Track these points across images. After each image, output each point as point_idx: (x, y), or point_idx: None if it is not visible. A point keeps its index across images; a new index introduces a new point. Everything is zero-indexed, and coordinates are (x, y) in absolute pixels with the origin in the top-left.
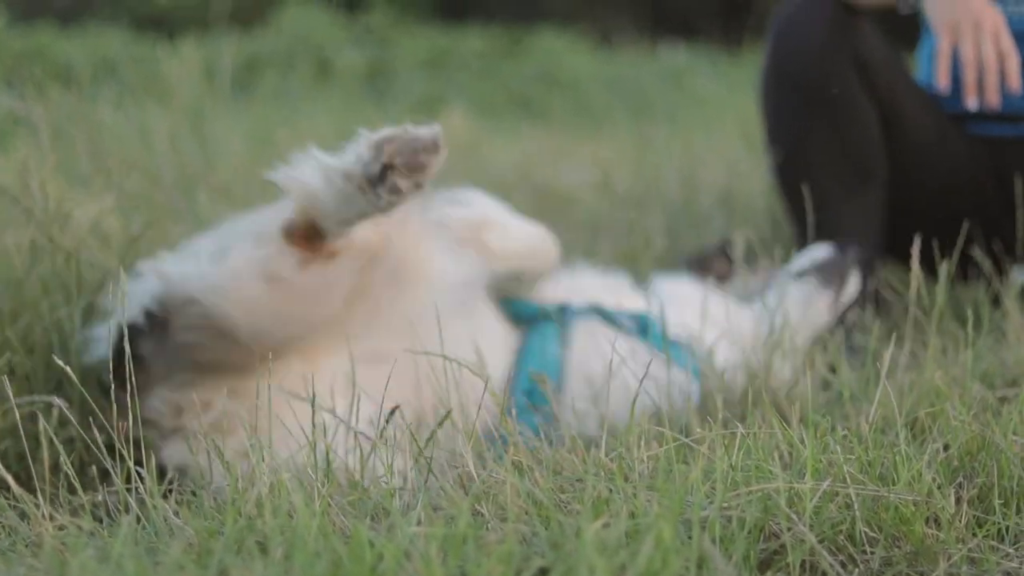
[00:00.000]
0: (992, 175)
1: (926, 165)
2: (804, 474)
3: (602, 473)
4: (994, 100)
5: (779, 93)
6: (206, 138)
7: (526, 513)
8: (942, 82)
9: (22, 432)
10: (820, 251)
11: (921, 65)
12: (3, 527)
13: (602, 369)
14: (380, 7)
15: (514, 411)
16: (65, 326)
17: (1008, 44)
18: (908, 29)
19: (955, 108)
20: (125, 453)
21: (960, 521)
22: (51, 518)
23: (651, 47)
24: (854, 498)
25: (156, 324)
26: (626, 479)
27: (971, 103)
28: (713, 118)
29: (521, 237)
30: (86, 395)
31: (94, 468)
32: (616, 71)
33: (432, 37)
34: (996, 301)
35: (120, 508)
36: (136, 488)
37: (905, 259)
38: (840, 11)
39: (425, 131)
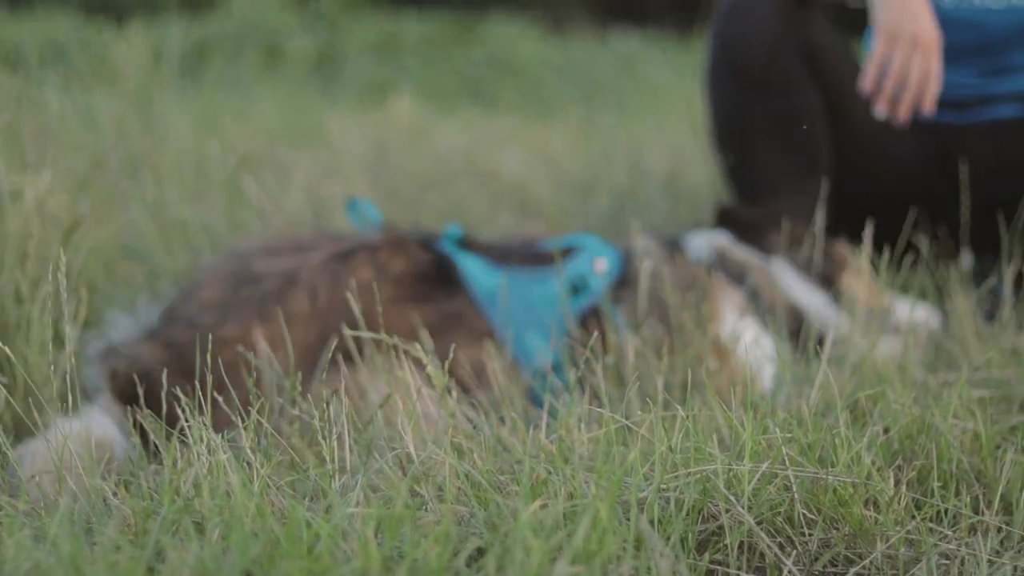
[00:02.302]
0: (939, 162)
1: (873, 153)
2: (743, 456)
3: (542, 455)
4: (904, 117)
5: (724, 80)
6: (153, 122)
7: (464, 494)
8: (869, 85)
9: None
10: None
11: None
12: None
13: None
14: None
15: (453, 393)
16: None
17: (936, 68)
18: (856, 17)
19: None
20: None
21: (899, 503)
22: None
23: (602, 34)
24: (793, 480)
25: None
26: (566, 461)
27: (880, 111)
28: (662, 105)
29: None
30: (25, 376)
31: None
32: (567, 58)
33: (382, 23)
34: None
35: (57, 488)
36: (74, 468)
37: (853, 246)
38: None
39: None
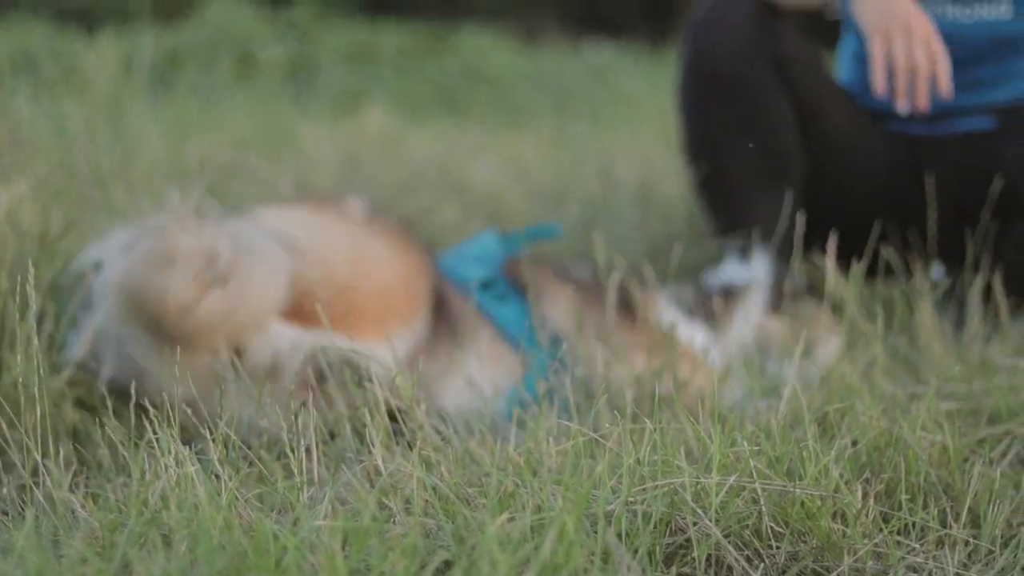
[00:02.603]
0: (910, 173)
1: (845, 164)
2: (711, 469)
3: (510, 467)
4: (925, 105)
5: (696, 88)
6: (123, 132)
7: (432, 507)
8: (880, 87)
9: None
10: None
11: (842, 65)
12: None
13: None
14: (304, 2)
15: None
16: None
17: (939, 48)
18: (828, 28)
19: (873, 106)
20: (31, 445)
21: (866, 516)
22: None
23: (575, 44)
24: (760, 493)
25: None
26: (534, 473)
27: (903, 107)
28: (635, 115)
29: None
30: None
31: None
32: (540, 68)
33: (355, 32)
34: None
35: (25, 501)
36: (43, 481)
37: (824, 257)
38: (759, 9)
39: None
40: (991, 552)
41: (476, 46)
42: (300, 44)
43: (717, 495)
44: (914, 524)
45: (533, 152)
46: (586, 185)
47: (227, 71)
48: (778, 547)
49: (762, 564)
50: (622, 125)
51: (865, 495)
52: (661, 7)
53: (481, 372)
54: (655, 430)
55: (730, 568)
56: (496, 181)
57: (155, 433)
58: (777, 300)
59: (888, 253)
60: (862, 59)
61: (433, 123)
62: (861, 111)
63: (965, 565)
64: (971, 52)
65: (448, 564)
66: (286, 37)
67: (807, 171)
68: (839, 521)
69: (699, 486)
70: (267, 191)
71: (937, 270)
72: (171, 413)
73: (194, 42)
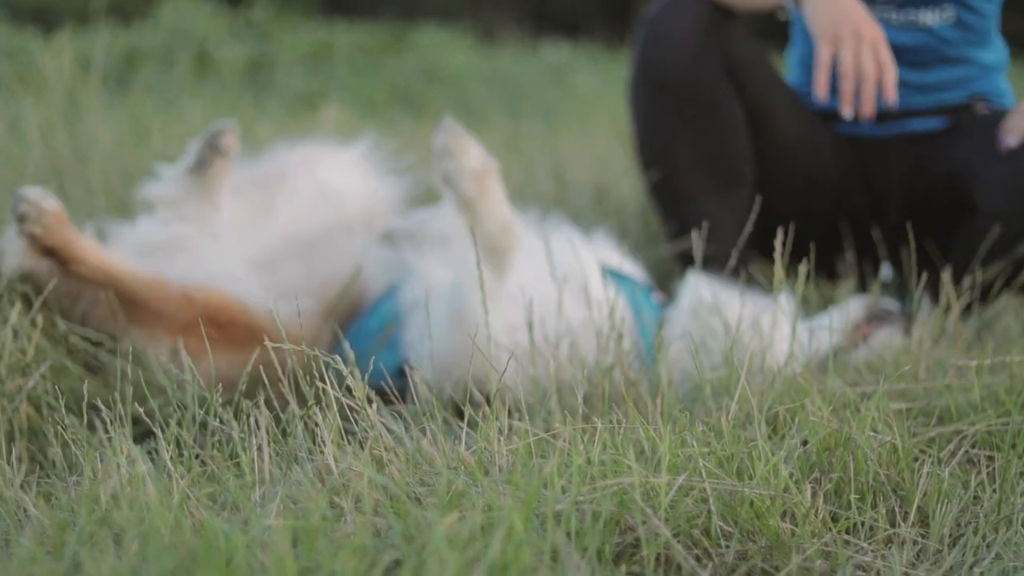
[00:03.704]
0: (858, 174)
1: (794, 165)
2: (661, 469)
3: (461, 467)
4: (870, 111)
5: (647, 93)
6: (80, 131)
7: (382, 506)
8: (821, 93)
9: None
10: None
11: (790, 67)
12: None
13: None
14: (262, 1)
15: (375, 404)
16: None
17: (887, 56)
18: (777, 31)
19: (822, 108)
20: None
21: (815, 516)
22: None
23: (533, 44)
24: (710, 492)
25: None
26: (486, 473)
27: (847, 112)
28: (591, 115)
29: None
30: None
31: None
32: (497, 67)
33: (314, 32)
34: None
35: None
36: None
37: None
38: (710, 11)
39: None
40: (939, 551)
41: (433, 45)
42: (258, 43)
43: (667, 494)
44: (863, 523)
45: (489, 151)
46: (541, 185)
47: (185, 70)
48: (727, 546)
49: (711, 563)
50: (578, 125)
51: (814, 494)
52: (619, 6)
53: None
54: (606, 430)
55: (679, 567)
56: None
57: (107, 432)
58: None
59: (838, 254)
60: (809, 64)
61: (390, 122)
62: (811, 114)
63: (913, 564)
64: (917, 56)
65: (397, 563)
66: (244, 36)
67: (758, 174)
68: (788, 520)
69: (649, 485)
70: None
71: (886, 270)
72: (123, 412)
73: (152, 42)
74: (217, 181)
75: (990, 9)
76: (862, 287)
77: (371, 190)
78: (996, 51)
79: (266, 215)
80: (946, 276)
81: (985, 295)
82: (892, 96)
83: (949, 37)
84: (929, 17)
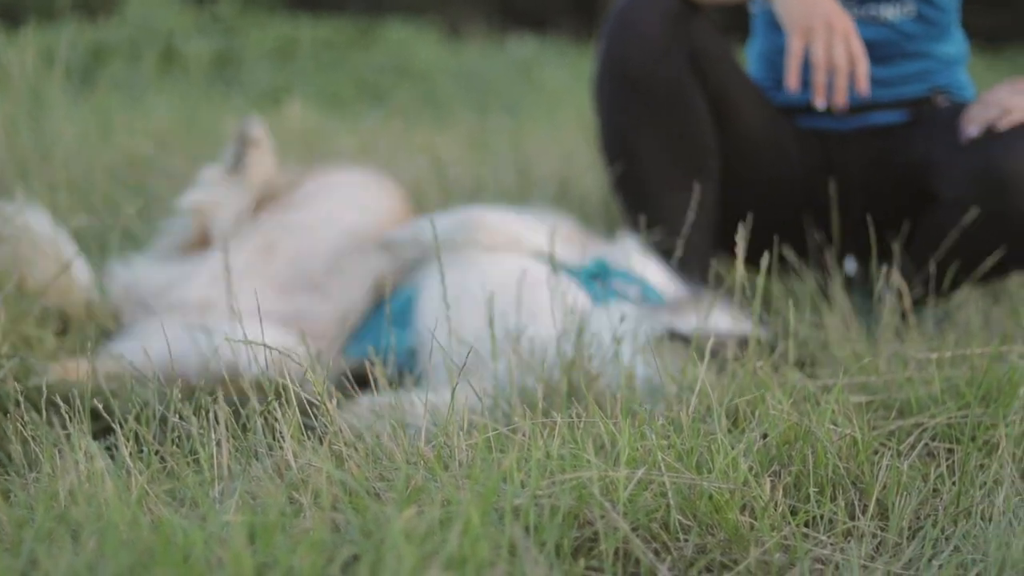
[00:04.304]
0: (822, 168)
1: (758, 159)
2: (620, 463)
3: (420, 461)
4: (842, 102)
5: (612, 86)
6: (44, 127)
7: (340, 501)
8: (793, 84)
9: None
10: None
11: (751, 61)
12: None
13: None
14: None
15: (334, 399)
16: None
17: (858, 47)
18: (738, 24)
19: (784, 102)
20: None
21: (775, 509)
22: None
23: (500, 38)
24: (668, 486)
25: None
26: (445, 468)
27: (819, 103)
28: (557, 109)
29: None
30: None
31: None
32: (464, 62)
33: (280, 26)
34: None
35: None
36: None
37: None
38: (677, 5)
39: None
40: (898, 544)
41: (400, 40)
42: (224, 38)
43: (625, 488)
44: (822, 516)
45: (453, 146)
46: (504, 179)
47: (151, 65)
48: (686, 540)
49: (669, 557)
50: (544, 119)
51: (773, 488)
52: (586, 1)
53: None
54: (565, 424)
55: (638, 561)
56: (416, 175)
57: (64, 429)
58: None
59: (800, 248)
60: (769, 58)
61: (356, 117)
62: (773, 108)
63: (872, 557)
64: (878, 51)
65: (355, 558)
66: (210, 31)
67: (722, 168)
68: (747, 514)
69: (608, 479)
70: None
71: (849, 263)
72: (81, 408)
73: (118, 36)
74: (255, 176)
75: (950, 3)
76: (825, 280)
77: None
78: (956, 44)
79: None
80: (896, 275)
81: (942, 284)
82: (864, 87)
83: (910, 31)
84: (890, 12)
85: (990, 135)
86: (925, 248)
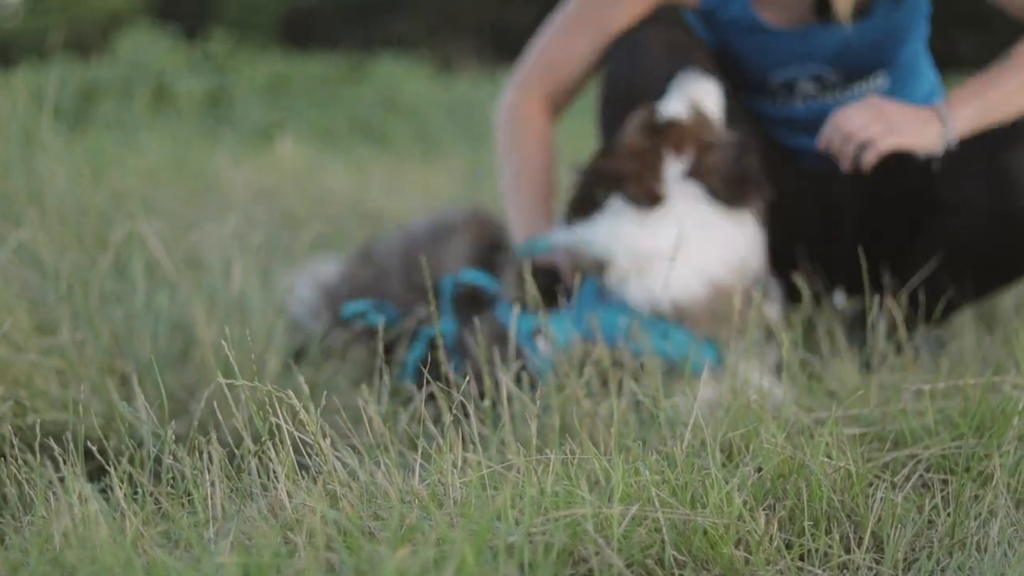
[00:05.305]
0: (818, 205)
1: None
2: (614, 499)
3: (415, 500)
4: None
5: (616, 109)
6: (36, 167)
7: (335, 541)
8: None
9: None
10: None
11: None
12: None
13: None
14: (219, 34)
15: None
16: None
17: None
18: None
19: (785, 142)
20: None
21: (769, 543)
22: None
23: (492, 72)
24: (663, 522)
25: None
26: (440, 506)
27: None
28: None
29: None
30: None
31: None
32: (455, 96)
33: (271, 64)
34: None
35: None
36: None
37: None
38: (680, 32)
39: None
40: None
41: (392, 75)
42: (216, 76)
43: (619, 524)
44: (817, 549)
45: (447, 180)
46: (499, 213)
47: (143, 104)
48: (681, 575)
49: None
50: None
51: (768, 522)
52: None
53: None
54: (559, 460)
55: None
56: (408, 210)
57: (58, 472)
58: None
59: (793, 280)
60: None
61: (348, 153)
62: (772, 144)
63: None
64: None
65: None
66: (202, 69)
67: None
68: (742, 548)
69: (602, 516)
70: (177, 224)
71: (837, 297)
72: (75, 451)
73: (110, 75)
74: None
75: (917, 59)
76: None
77: None
78: (927, 81)
79: None
80: (891, 302)
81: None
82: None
83: (881, 90)
84: (863, 87)
85: (994, 134)
86: (931, 257)
